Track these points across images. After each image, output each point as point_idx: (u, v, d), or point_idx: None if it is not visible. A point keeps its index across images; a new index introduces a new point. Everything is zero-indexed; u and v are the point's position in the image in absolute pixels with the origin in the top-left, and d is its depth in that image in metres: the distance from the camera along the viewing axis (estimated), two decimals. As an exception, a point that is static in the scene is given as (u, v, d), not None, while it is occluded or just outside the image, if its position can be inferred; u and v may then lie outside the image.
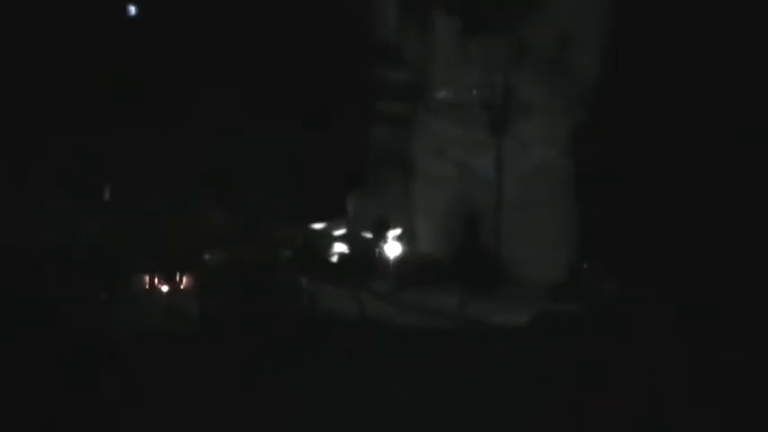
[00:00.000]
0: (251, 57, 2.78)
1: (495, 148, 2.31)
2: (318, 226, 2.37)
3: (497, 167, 2.32)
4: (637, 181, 2.57)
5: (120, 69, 2.56)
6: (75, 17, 2.72)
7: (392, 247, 2.24)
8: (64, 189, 2.23)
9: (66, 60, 2.65)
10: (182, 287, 2.11)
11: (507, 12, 2.28)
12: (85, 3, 2.77)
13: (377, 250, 2.21)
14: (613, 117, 2.46)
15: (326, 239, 2.26)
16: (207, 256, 2.15)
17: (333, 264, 2.19)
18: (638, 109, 2.62)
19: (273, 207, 2.35)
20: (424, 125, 2.44)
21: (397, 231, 2.32)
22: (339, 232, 2.37)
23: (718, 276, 2.20)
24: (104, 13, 2.73)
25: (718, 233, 2.40)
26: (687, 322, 1.95)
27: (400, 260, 2.21)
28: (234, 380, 1.91)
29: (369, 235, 2.30)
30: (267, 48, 2.86)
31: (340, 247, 2.26)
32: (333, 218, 2.42)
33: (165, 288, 2.10)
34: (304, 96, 2.74)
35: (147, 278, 2.10)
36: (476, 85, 2.32)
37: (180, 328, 2.03)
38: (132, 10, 2.74)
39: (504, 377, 1.78)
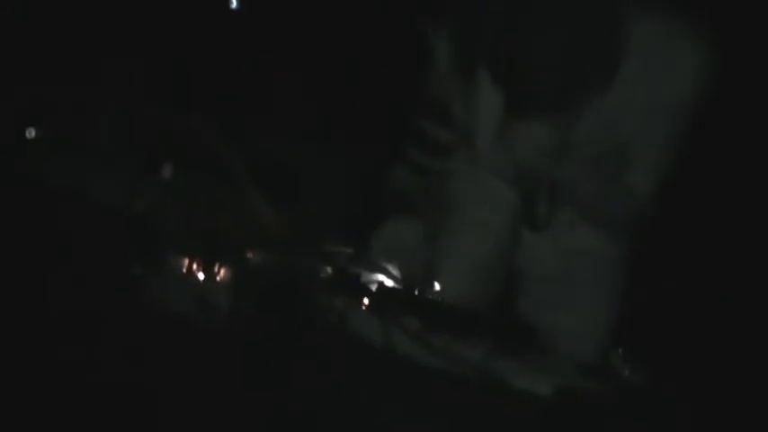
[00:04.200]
0: (331, 74, 2.83)
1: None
2: (360, 250, 2.36)
3: (539, 237, 2.28)
4: (683, 281, 2.59)
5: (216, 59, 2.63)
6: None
7: (429, 287, 2.23)
8: (132, 156, 2.25)
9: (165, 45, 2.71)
10: (218, 278, 2.11)
11: (558, 108, 2.04)
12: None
13: (413, 287, 2.20)
14: (662, 225, 2.39)
15: (367, 265, 2.25)
16: (249, 254, 2.15)
17: (370, 291, 2.17)
18: (692, 220, 2.63)
19: (325, 221, 2.36)
20: (469, 174, 2.35)
21: (435, 271, 2.30)
22: (377, 260, 2.36)
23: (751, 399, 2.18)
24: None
25: (761, 349, 2.40)
26: None
27: (435, 301, 2.20)
28: (246, 379, 1.92)
29: (405, 269, 2.28)
30: (346, 68, 2.91)
31: (378, 276, 2.25)
32: (369, 244, 2.42)
33: (201, 275, 2.10)
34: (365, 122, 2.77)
35: (186, 261, 2.10)
36: (515, 170, 2.22)
37: (207, 319, 2.03)
38: (234, 2, 2.79)
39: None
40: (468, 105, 2.21)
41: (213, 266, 2.09)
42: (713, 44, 2.13)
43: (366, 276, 2.21)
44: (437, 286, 2.24)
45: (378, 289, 2.16)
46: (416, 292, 2.20)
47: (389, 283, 2.23)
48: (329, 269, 2.19)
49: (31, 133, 2.29)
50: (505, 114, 2.10)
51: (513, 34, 1.97)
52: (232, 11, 2.78)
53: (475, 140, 2.25)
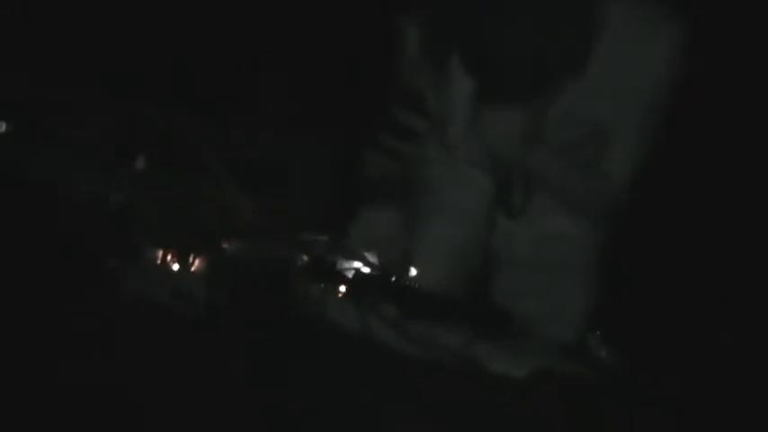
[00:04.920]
0: (304, 63, 2.83)
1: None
2: (337, 238, 2.36)
3: (514, 223, 2.26)
4: (658, 267, 2.60)
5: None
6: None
7: (406, 274, 2.23)
8: (107, 148, 2.24)
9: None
10: (193, 269, 2.10)
11: (530, 95, 2.04)
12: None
13: (391, 274, 2.20)
14: (639, 211, 2.38)
15: (344, 253, 2.26)
16: (224, 244, 2.15)
17: (347, 278, 2.17)
18: (668, 206, 2.64)
19: (302, 209, 2.36)
20: (444, 161, 2.32)
21: (411, 258, 2.31)
22: (353, 248, 2.35)
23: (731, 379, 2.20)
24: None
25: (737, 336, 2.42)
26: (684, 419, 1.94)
27: (412, 288, 2.20)
28: (225, 371, 1.91)
29: (382, 256, 2.28)
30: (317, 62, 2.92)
31: (355, 263, 2.25)
32: (346, 232, 2.42)
33: (176, 266, 2.10)
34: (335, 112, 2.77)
35: (161, 253, 2.10)
36: (489, 158, 2.20)
37: (183, 310, 2.03)
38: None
39: (494, 424, 1.78)
40: (441, 93, 2.21)
41: (188, 257, 2.09)
42: (687, 29, 2.13)
43: (343, 264, 2.21)
44: (414, 273, 2.24)
45: (354, 276, 2.17)
46: (393, 279, 2.20)
47: (367, 270, 2.24)
48: (306, 258, 2.20)
49: (1, 127, 2.28)
50: (478, 101, 2.10)
51: (484, 21, 1.97)
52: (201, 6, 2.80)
53: (448, 127, 2.24)
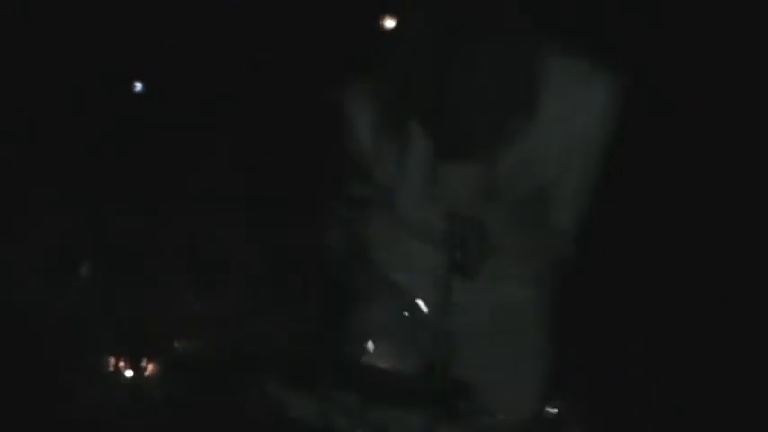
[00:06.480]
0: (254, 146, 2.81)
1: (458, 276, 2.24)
2: (293, 325, 2.34)
3: (467, 294, 2.27)
4: (611, 332, 2.60)
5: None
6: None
7: (363, 358, 2.22)
8: (48, 255, 2.20)
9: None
10: (146, 373, 2.07)
11: (485, 148, 2.13)
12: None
13: (348, 360, 2.18)
14: (586, 266, 2.40)
15: (300, 341, 2.23)
16: (177, 344, 2.12)
17: (305, 368, 2.15)
18: (613, 264, 2.67)
19: (255, 301, 2.33)
20: (391, 239, 2.34)
21: (370, 342, 2.29)
22: (313, 334, 2.34)
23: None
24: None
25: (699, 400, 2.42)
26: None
27: (371, 373, 2.18)
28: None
29: (335, 339, 2.26)
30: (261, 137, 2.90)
31: (312, 351, 2.23)
32: (309, 318, 2.39)
33: (129, 372, 2.06)
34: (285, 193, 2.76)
35: (113, 360, 2.07)
36: (444, 217, 2.22)
37: (141, 414, 1.99)
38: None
39: None
40: (393, 161, 2.22)
41: (142, 361, 2.06)
42: (622, 84, 2.18)
43: (300, 353, 2.19)
44: (371, 357, 2.22)
45: (310, 364, 2.14)
46: (351, 366, 2.18)
47: (323, 357, 2.21)
48: (261, 349, 2.17)
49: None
50: (434, 161, 2.12)
51: (436, 77, 2.00)
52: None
53: (398, 199, 2.25)
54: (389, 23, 2.43)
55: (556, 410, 2.03)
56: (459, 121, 2.02)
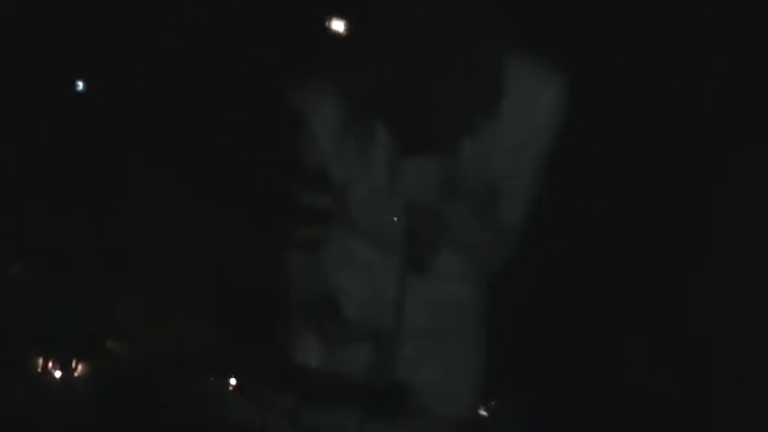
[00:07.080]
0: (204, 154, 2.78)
1: (403, 274, 2.23)
2: (231, 327, 2.31)
3: (404, 292, 2.26)
4: (552, 331, 2.59)
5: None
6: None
7: (303, 360, 2.19)
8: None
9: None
10: (75, 374, 2.03)
11: (445, 143, 2.11)
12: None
13: (285, 362, 2.15)
14: (533, 262, 2.41)
15: (238, 342, 2.20)
16: (107, 345, 2.08)
17: (240, 372, 2.12)
18: (560, 260, 2.67)
19: (189, 304, 2.29)
20: (339, 243, 2.33)
21: (308, 343, 2.26)
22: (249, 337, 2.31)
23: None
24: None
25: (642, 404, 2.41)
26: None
27: (306, 374, 2.16)
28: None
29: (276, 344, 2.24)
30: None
31: (247, 353, 2.20)
32: (247, 320, 2.37)
33: (58, 373, 2.02)
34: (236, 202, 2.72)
35: (41, 360, 2.03)
36: (400, 214, 2.22)
37: (69, 417, 1.96)
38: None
39: None
40: (353, 158, 2.22)
41: (72, 363, 2.02)
42: (571, 83, 2.20)
43: (235, 356, 2.16)
44: (309, 358, 2.20)
45: (246, 368, 2.12)
46: (288, 366, 2.16)
47: (261, 358, 2.19)
48: (199, 353, 2.14)
49: None
50: (394, 156, 2.13)
51: (399, 79, 2.01)
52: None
53: (353, 198, 2.25)
54: (351, 23, 2.42)
55: (493, 409, 2.01)
56: (421, 116, 2.02)
